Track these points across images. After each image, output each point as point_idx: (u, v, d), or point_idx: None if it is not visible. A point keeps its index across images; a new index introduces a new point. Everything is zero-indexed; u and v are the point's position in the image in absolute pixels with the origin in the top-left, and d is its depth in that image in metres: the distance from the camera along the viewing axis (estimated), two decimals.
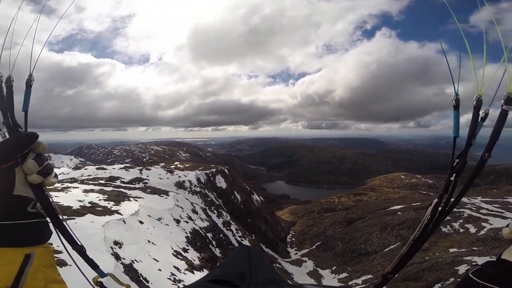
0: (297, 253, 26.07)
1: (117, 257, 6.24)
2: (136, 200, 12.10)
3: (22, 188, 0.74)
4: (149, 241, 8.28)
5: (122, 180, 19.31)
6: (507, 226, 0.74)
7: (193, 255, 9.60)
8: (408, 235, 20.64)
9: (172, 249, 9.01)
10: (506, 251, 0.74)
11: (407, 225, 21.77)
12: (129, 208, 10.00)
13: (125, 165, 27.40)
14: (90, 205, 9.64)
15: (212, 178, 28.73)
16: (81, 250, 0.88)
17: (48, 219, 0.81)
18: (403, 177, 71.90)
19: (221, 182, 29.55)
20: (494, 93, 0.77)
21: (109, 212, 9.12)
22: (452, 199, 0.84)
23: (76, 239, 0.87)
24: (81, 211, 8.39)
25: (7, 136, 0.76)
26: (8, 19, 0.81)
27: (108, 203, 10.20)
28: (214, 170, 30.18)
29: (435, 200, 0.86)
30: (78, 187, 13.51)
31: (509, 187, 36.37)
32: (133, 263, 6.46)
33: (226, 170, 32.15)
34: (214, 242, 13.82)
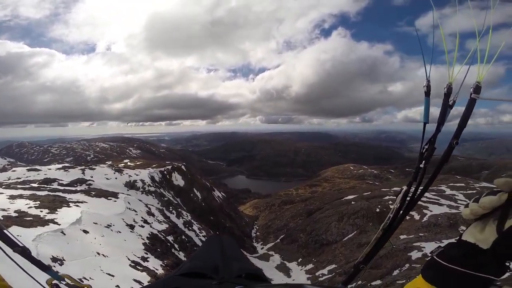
0: (263, 248, 25.97)
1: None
2: (77, 206, 10.18)
3: None
4: (98, 253, 6.87)
5: (60, 182, 16.50)
6: (466, 206, 0.75)
7: (154, 264, 8.39)
8: (363, 224, 22.15)
9: (129, 259, 7.70)
10: (465, 232, 0.75)
11: (361, 214, 22.96)
12: (68, 216, 8.23)
13: (63, 165, 23.75)
14: (16, 214, 7.71)
15: (168, 176, 26.81)
16: (24, 252, 0.81)
17: None
18: (352, 168, 78.07)
19: (178, 179, 27.79)
20: (462, 81, 0.82)
21: (42, 222, 7.34)
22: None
23: (16, 240, 0.80)
24: (4, 223, 6.54)
25: None
26: None
27: (41, 211, 8.27)
28: (169, 167, 28.22)
29: (404, 188, 0.87)
30: (2, 193, 10.94)
31: (441, 176, 41.83)
32: (81, 281, 5.12)
33: (183, 167, 30.38)
34: (176, 246, 12.56)
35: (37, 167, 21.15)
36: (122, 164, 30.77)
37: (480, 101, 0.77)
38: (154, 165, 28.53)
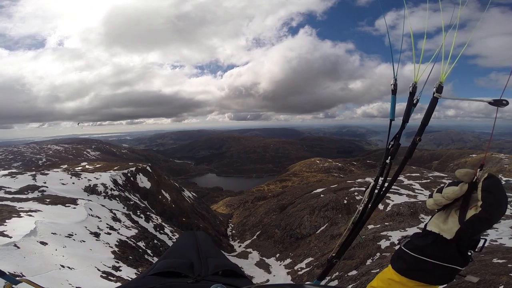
0: (240, 245, 25.66)
1: None
2: (30, 215, 8.91)
3: None
4: (63, 266, 6.04)
5: (8, 190, 14.45)
6: (430, 196, 0.78)
7: (128, 272, 7.68)
8: (333, 216, 22.99)
9: (99, 270, 6.93)
10: (430, 223, 0.79)
11: (331, 206, 23.73)
12: (20, 227, 7.11)
13: (10, 170, 20.93)
14: None
15: (132, 178, 25.17)
16: None
17: None
18: (318, 162, 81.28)
19: (143, 181, 26.25)
20: (425, 81, 0.87)
21: None
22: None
23: None
24: None
25: None
26: None
27: None
28: (133, 168, 26.49)
29: (372, 183, 0.90)
30: None
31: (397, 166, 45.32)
32: None
33: (148, 168, 28.74)
34: (149, 251, 11.75)
35: None
36: (80, 168, 28.13)
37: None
38: (116, 167, 26.55)
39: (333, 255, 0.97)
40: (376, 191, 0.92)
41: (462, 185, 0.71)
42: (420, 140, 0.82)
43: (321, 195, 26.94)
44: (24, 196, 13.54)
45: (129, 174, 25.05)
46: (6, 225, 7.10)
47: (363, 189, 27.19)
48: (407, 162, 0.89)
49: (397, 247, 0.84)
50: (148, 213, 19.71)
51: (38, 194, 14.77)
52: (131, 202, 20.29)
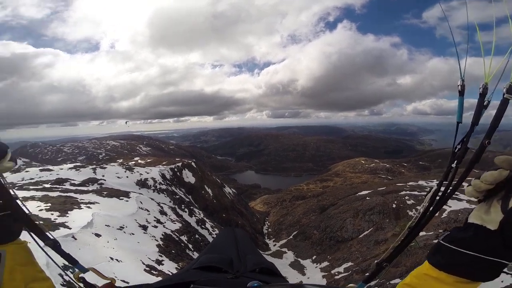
0: (275, 244, 25.52)
1: (70, 286, 4.50)
2: (89, 207, 9.86)
3: None
4: (111, 258, 6.49)
5: (72, 182, 16.36)
6: (469, 185, 0.76)
7: (170, 267, 8.00)
8: (379, 220, 21.42)
9: (143, 263, 7.32)
10: (471, 215, 0.75)
11: (377, 210, 22.18)
12: (79, 219, 7.88)
13: (75, 164, 23.79)
14: None
15: (178, 173, 26.57)
16: (55, 245, 0.81)
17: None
18: (363, 162, 76.45)
19: (189, 176, 27.53)
20: (497, 81, 0.80)
21: (53, 226, 7.00)
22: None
23: (47, 233, 0.80)
24: None
25: None
26: None
27: (52, 214, 7.95)
28: (180, 164, 27.94)
29: (434, 187, 0.85)
30: None
31: (459, 170, 40.36)
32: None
33: (193, 164, 30.07)
34: (190, 246, 12.20)
35: (50, 167, 21.18)
36: (133, 162, 30.71)
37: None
38: (164, 162, 28.34)
39: (384, 258, 0.91)
40: (438, 196, 0.84)
41: (501, 170, 0.67)
42: (489, 143, 0.76)
43: (367, 198, 25.41)
44: (85, 188, 15.16)
45: (176, 169, 26.50)
46: (68, 216, 7.93)
47: (416, 193, 24.92)
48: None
49: (435, 242, 0.79)
50: (191, 207, 20.64)
51: (97, 187, 16.42)
52: (177, 196, 21.45)
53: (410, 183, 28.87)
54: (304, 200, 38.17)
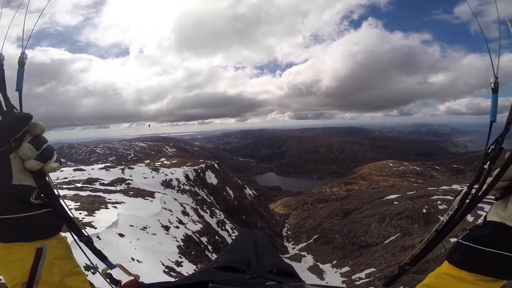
0: (294, 248, 25.16)
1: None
2: (115, 207, 10.34)
3: (22, 176, 0.67)
4: (133, 259, 6.72)
5: (102, 182, 17.34)
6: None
7: (188, 269, 8.12)
8: (407, 226, 20.29)
9: (163, 264, 7.50)
10: (489, 213, 0.75)
11: (405, 215, 21.09)
12: (105, 219, 8.28)
13: (105, 164, 25.22)
14: None
15: (201, 174, 27.16)
16: (88, 241, 0.85)
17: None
18: (391, 164, 72.70)
19: (211, 178, 28.03)
20: None
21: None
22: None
23: (83, 230, 0.84)
24: None
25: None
26: None
27: (80, 213, 8.44)
28: (203, 165, 28.56)
29: (465, 189, 0.81)
30: None
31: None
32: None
33: (216, 165, 30.58)
34: (210, 247, 12.36)
35: (82, 167, 22.68)
36: (159, 163, 31.88)
37: None
38: (188, 163, 29.13)
39: (407, 261, 0.87)
40: (468, 199, 0.80)
41: None
42: None
43: (395, 202, 24.26)
44: (113, 188, 15.98)
45: (199, 170, 27.14)
46: (95, 216, 8.37)
47: (449, 197, 23.24)
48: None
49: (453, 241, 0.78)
50: (213, 208, 20.95)
51: (125, 187, 17.24)
52: (199, 197, 21.91)
53: (443, 187, 27.11)
54: (326, 203, 37.24)
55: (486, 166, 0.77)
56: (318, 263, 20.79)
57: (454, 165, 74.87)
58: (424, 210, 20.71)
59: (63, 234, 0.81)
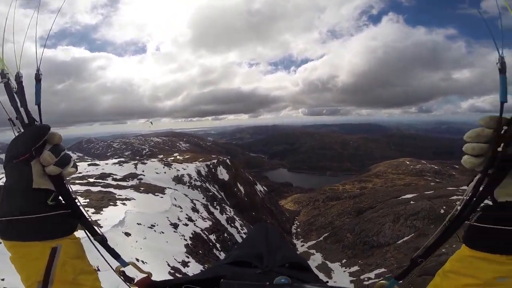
0: (303, 245, 24.88)
1: None
2: (124, 204, 10.37)
3: (41, 180, 0.73)
4: (137, 260, 6.66)
5: (115, 177, 17.64)
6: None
7: (195, 269, 8.00)
8: (423, 226, 19.47)
9: (169, 265, 7.42)
10: (498, 194, 0.72)
11: (421, 215, 20.35)
12: (112, 217, 8.26)
13: (119, 159, 25.71)
14: None
15: (213, 170, 27.20)
16: (102, 240, 0.90)
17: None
18: (408, 163, 70.13)
19: (223, 173, 28.03)
20: None
21: None
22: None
23: (97, 229, 0.89)
24: None
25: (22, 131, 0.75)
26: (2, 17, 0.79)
27: (87, 211, 8.45)
28: (215, 161, 28.59)
29: (478, 175, 0.74)
30: None
31: None
32: None
33: (227, 161, 30.55)
34: (218, 245, 12.25)
35: (97, 161, 23.23)
36: (172, 158, 32.26)
37: None
38: (201, 159, 29.26)
39: (420, 254, 0.84)
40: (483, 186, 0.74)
41: (483, 128, 0.68)
42: None
43: (411, 202, 23.52)
44: (125, 184, 16.20)
45: (211, 166, 27.19)
46: (102, 214, 8.39)
47: None
48: None
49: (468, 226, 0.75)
50: (223, 204, 20.92)
51: (136, 182, 17.46)
52: (210, 193, 21.94)
53: (463, 187, 25.77)
54: (339, 201, 36.54)
55: (499, 149, 0.69)
56: (327, 262, 20.56)
57: None
58: (442, 211, 19.90)
59: (75, 233, 0.82)
